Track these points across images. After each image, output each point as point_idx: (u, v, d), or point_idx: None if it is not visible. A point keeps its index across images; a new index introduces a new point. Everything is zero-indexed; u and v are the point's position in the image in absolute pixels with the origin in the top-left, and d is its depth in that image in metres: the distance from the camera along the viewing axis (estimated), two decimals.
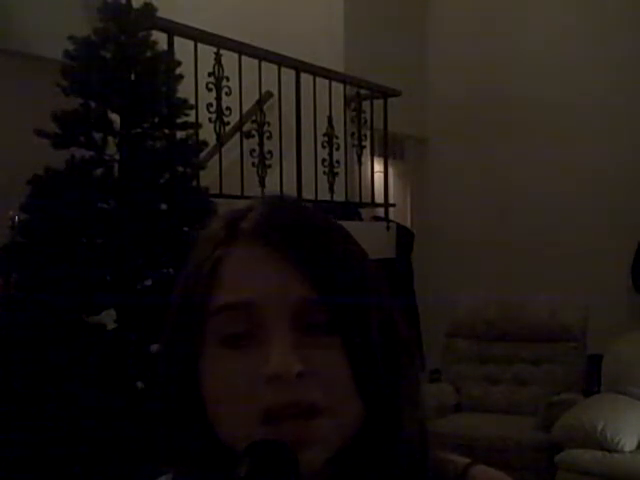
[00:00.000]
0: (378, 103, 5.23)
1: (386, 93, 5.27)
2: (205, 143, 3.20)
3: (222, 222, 0.70)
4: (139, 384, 2.63)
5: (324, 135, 4.74)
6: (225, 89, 3.91)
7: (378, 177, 5.43)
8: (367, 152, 5.20)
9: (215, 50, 3.89)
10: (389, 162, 5.55)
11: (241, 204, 0.72)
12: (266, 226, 0.67)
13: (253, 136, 4.22)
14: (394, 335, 0.68)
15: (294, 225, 0.67)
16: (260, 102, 4.35)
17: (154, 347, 2.55)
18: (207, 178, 3.41)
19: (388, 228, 5.30)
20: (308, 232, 0.67)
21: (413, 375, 0.70)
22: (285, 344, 0.63)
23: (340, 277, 0.65)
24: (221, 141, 3.94)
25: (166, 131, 2.93)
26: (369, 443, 0.66)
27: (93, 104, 2.79)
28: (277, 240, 0.65)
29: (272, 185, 4.16)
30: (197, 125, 3.15)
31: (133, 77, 2.82)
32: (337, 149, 4.85)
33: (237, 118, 4.17)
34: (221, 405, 0.65)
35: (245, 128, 4.27)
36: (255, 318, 0.64)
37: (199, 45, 3.79)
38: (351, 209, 5.04)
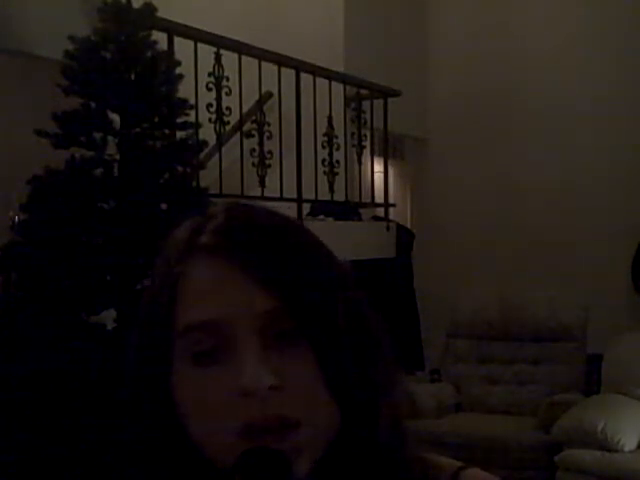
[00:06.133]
0: (378, 103, 5.23)
1: (386, 93, 5.27)
2: (205, 143, 3.20)
3: (181, 235, 0.69)
4: None
5: (324, 135, 4.74)
6: (225, 89, 3.91)
7: (378, 177, 5.42)
8: (367, 152, 5.19)
9: (215, 50, 3.89)
10: (389, 162, 5.55)
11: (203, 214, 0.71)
12: (224, 239, 0.66)
13: (253, 136, 4.22)
14: (364, 333, 0.68)
15: (252, 235, 0.66)
16: (260, 102, 4.35)
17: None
18: (207, 178, 3.41)
19: (388, 228, 5.30)
20: (267, 241, 0.66)
21: (388, 372, 0.69)
22: (255, 358, 0.62)
23: (302, 283, 0.65)
24: (221, 141, 3.94)
25: (166, 131, 2.93)
26: (348, 446, 0.66)
27: (93, 104, 2.79)
28: (236, 253, 0.65)
29: (272, 185, 4.16)
30: (197, 125, 3.15)
31: (133, 77, 2.82)
32: (337, 149, 4.85)
33: (237, 118, 4.17)
34: (197, 420, 0.65)
35: (245, 128, 4.27)
36: (222, 335, 0.64)
37: (199, 45, 3.79)
38: (351, 209, 5.04)
